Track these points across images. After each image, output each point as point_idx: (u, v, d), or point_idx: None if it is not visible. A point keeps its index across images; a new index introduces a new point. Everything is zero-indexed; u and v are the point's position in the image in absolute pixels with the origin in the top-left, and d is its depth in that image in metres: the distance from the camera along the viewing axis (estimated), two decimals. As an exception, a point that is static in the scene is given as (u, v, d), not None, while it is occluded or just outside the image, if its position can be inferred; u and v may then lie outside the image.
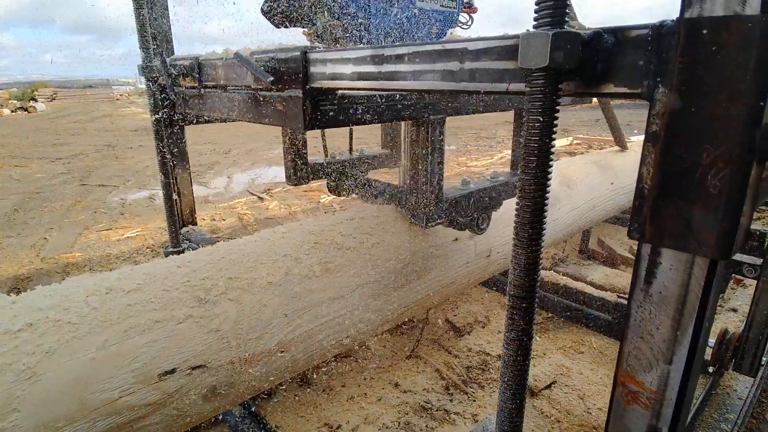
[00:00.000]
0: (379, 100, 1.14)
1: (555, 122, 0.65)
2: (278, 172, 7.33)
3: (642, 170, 0.55)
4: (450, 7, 1.70)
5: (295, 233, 1.49)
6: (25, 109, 19.91)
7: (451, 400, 2.27)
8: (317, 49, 1.03)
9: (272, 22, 1.81)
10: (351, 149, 2.04)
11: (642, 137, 0.63)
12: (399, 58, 0.85)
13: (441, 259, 1.71)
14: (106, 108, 24.14)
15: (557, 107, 0.63)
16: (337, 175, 1.86)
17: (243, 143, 11.53)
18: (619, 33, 0.58)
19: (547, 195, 0.68)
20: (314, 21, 1.72)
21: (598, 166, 2.75)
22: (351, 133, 2.05)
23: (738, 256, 2.06)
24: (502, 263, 2.05)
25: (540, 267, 0.74)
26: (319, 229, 1.52)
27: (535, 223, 0.69)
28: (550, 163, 0.66)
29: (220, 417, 1.71)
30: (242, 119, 1.26)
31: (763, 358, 1.74)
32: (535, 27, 0.60)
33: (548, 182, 0.67)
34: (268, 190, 6.47)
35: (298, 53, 1.03)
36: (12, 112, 19.39)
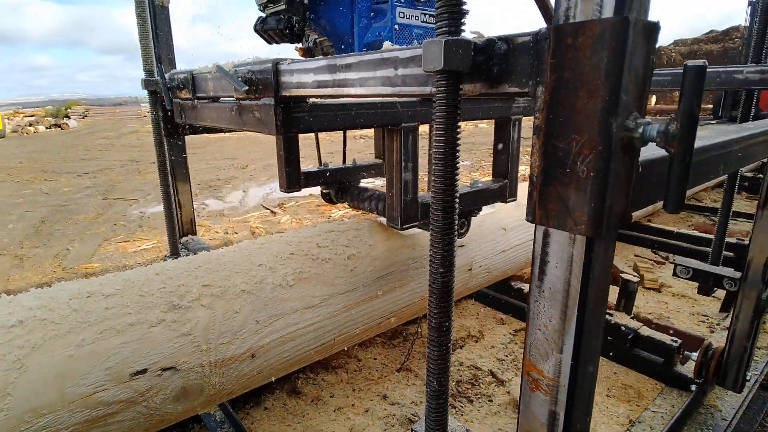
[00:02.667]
0: (349, 109, 1.22)
1: (458, 119, 0.71)
2: (292, 187, 7.49)
3: (532, 159, 0.60)
4: (430, 23, 1.77)
5: (273, 244, 1.56)
6: (59, 126, 20.88)
7: None
8: (286, 60, 1.12)
9: (264, 39, 1.93)
10: (345, 159, 2.13)
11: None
12: (348, 67, 0.94)
13: (419, 271, 1.76)
14: (134, 125, 25.10)
15: (458, 106, 0.70)
16: (330, 181, 1.95)
17: (261, 159, 11.82)
18: (509, 40, 0.64)
19: (456, 183, 0.75)
20: (303, 38, 1.83)
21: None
22: (345, 143, 2.14)
23: (718, 269, 2.04)
24: (485, 277, 2.08)
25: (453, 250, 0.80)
26: (296, 240, 1.60)
27: (448, 203, 0.75)
28: (457, 153, 0.73)
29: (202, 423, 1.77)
30: (229, 126, 1.36)
31: (748, 374, 1.72)
32: (435, 35, 0.67)
33: (456, 172, 0.74)
34: (282, 204, 6.62)
35: (269, 65, 1.12)
36: (47, 128, 20.37)
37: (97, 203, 7.57)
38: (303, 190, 1.97)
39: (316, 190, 2.17)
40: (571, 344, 0.60)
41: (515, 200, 1.75)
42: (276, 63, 1.10)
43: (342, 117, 1.18)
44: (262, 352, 1.36)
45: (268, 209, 6.33)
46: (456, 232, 0.78)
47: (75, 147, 15.89)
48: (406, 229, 1.44)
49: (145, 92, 1.73)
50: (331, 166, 2.05)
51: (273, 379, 1.50)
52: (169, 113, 1.78)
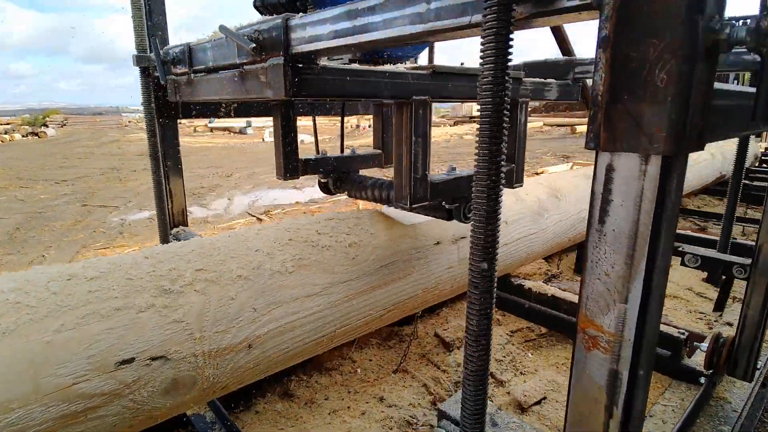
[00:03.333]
0: (361, 74, 1.16)
1: (509, 53, 0.65)
2: (278, 195, 7.37)
3: (594, 78, 0.54)
4: None
5: (270, 231, 1.47)
6: (36, 134, 20.34)
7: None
8: (297, 15, 1.05)
9: (265, 14, 1.86)
10: (342, 148, 2.06)
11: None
12: (371, 10, 0.87)
13: (422, 262, 1.68)
14: (115, 134, 24.63)
15: (510, 37, 0.63)
16: (329, 170, 1.87)
17: (246, 167, 11.66)
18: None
19: (504, 118, 0.68)
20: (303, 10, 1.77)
21: (587, 179, 2.74)
22: (342, 132, 2.07)
23: (727, 257, 2.01)
24: (488, 271, 2.02)
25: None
26: (295, 227, 1.51)
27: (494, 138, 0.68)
28: (506, 97, 0.66)
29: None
30: (230, 97, 1.27)
31: (759, 362, 1.68)
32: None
33: (505, 106, 0.67)
34: (268, 212, 6.48)
35: (279, 20, 1.04)
36: (23, 136, 19.82)
37: (76, 210, 7.31)
38: (289, 196, 1.88)
39: (302, 196, 2.09)
40: (638, 292, 0.54)
41: (521, 186, 1.69)
42: (286, 18, 1.03)
43: (352, 84, 1.11)
44: (259, 342, 1.26)
45: (253, 216, 6.19)
46: (500, 190, 0.71)
47: (53, 155, 15.46)
48: (415, 209, 1.37)
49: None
50: (329, 154, 1.97)
51: (270, 374, 1.40)
52: (162, 94, 1.68)
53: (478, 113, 0.76)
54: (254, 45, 1.01)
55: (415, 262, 1.66)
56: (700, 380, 1.75)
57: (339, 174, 2.00)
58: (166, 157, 1.77)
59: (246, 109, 1.98)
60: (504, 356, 2.59)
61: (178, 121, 1.79)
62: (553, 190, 2.44)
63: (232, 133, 26.70)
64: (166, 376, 1.10)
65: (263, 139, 20.93)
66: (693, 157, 4.19)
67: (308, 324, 1.37)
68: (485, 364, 0.86)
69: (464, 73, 1.37)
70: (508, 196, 2.23)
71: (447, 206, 1.52)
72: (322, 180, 2.02)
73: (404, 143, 1.30)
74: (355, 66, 1.13)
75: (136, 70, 1.77)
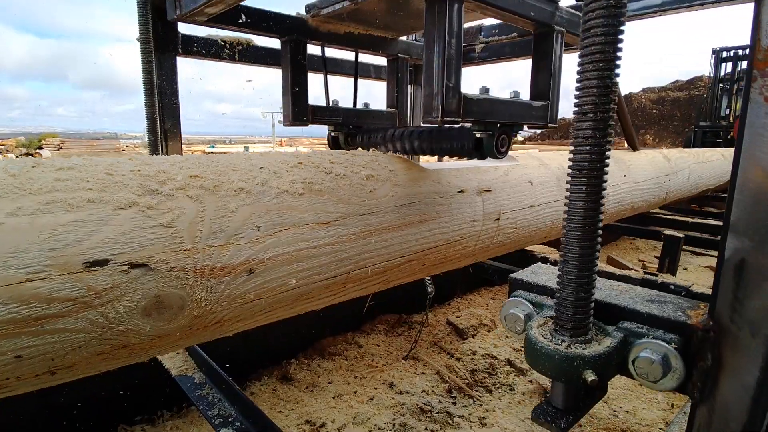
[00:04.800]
0: None
1: None
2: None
3: None
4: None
5: (277, 154, 1.29)
6: (30, 155, 20.19)
7: (454, 403, 1.94)
8: None
9: None
10: (355, 101, 1.90)
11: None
12: None
13: (445, 208, 1.49)
14: (111, 158, 24.53)
15: None
16: (339, 121, 1.71)
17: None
18: None
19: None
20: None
21: (612, 159, 2.59)
22: (356, 83, 1.92)
23: None
24: (512, 234, 1.83)
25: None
26: (305, 154, 1.32)
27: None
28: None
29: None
30: None
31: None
32: None
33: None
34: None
35: None
36: (16, 158, 19.66)
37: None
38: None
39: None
40: None
41: (556, 125, 1.53)
42: None
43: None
44: (262, 268, 1.06)
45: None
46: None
47: (45, 172, 15.24)
48: (448, 123, 1.19)
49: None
50: (340, 105, 1.82)
51: (272, 318, 1.18)
52: (162, 25, 1.53)
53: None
54: None
55: (438, 207, 1.47)
56: None
57: (351, 128, 1.84)
58: (162, 93, 1.59)
59: (253, 53, 1.83)
60: (523, 345, 2.37)
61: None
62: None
63: (228, 158, 26.74)
64: (148, 289, 0.89)
65: (260, 163, 20.92)
66: (706, 155, 4.08)
67: (320, 256, 1.17)
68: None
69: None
70: (530, 159, 2.07)
71: (478, 135, 1.35)
72: (333, 133, 1.85)
73: (436, 44, 1.14)
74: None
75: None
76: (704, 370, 0.66)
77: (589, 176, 0.86)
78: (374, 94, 2.50)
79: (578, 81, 0.86)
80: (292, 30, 1.66)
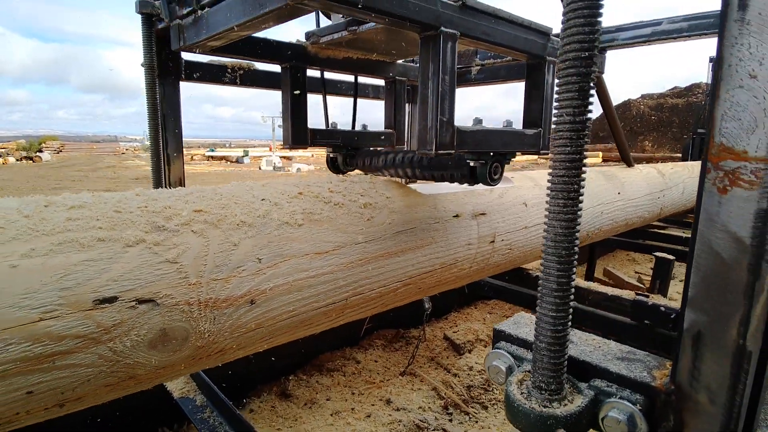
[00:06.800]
0: None
1: None
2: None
3: None
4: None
5: (278, 184, 1.33)
6: (31, 158, 20.25)
7: (450, 420, 1.98)
8: None
9: None
10: (354, 123, 1.95)
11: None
12: None
13: (441, 233, 1.54)
14: (111, 160, 24.57)
15: None
16: (338, 144, 1.76)
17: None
18: None
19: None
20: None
21: (605, 176, 2.64)
22: (355, 106, 1.97)
23: None
24: (507, 255, 1.87)
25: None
26: (304, 183, 1.37)
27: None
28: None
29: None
30: (243, 22, 1.15)
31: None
32: None
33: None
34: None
35: None
36: (17, 160, 19.70)
37: (65, 225, 7.09)
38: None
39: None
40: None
41: (548, 153, 1.57)
42: None
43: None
44: (263, 299, 1.10)
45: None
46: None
47: (46, 178, 15.32)
48: (442, 155, 1.24)
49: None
50: (339, 128, 1.86)
51: (273, 343, 1.22)
52: (166, 51, 1.58)
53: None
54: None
55: (433, 233, 1.51)
56: None
57: (349, 149, 1.89)
58: (166, 119, 1.64)
59: (254, 76, 1.88)
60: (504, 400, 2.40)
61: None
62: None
63: (229, 162, 26.78)
64: (154, 323, 0.93)
65: (260, 167, 20.95)
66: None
67: (319, 285, 1.21)
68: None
69: (496, 14, 1.28)
70: (525, 180, 2.11)
71: (471, 164, 1.39)
72: (331, 155, 1.90)
73: (430, 81, 1.18)
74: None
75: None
76: (667, 430, 0.70)
77: (560, 249, 0.83)
78: (372, 109, 2.56)
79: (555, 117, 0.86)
80: (292, 57, 1.71)
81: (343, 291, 1.28)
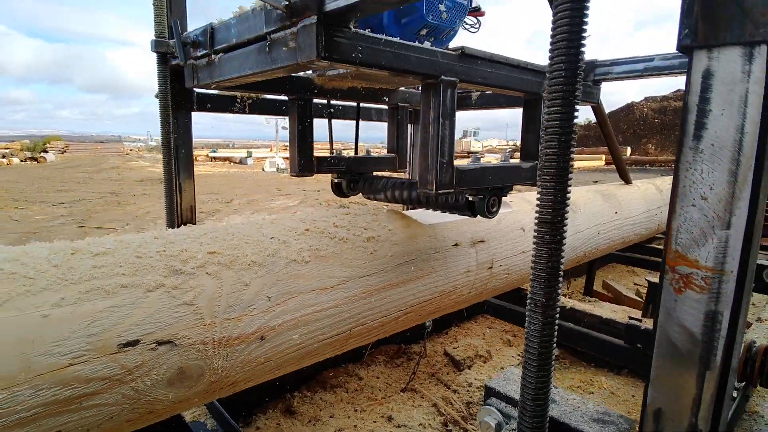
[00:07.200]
0: (392, 45, 1.13)
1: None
2: (278, 219, 7.30)
3: None
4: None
5: (285, 220, 1.40)
6: (35, 159, 20.37)
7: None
8: None
9: None
10: (357, 149, 2.02)
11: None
12: None
13: (440, 263, 1.60)
14: (115, 161, 24.72)
15: None
16: (343, 170, 1.83)
17: (245, 194, 11.64)
18: None
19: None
20: None
21: (602, 196, 2.70)
22: (357, 132, 2.04)
23: (760, 260, 1.93)
24: (504, 279, 1.93)
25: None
26: (311, 218, 1.44)
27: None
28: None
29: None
30: (255, 71, 1.22)
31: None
32: None
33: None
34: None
35: None
36: (22, 161, 19.84)
37: (72, 231, 7.19)
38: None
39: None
40: (743, 215, 0.47)
41: (544, 186, 1.64)
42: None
43: (382, 54, 1.07)
44: (272, 335, 1.17)
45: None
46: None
47: (51, 179, 15.43)
48: (442, 194, 1.31)
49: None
50: (344, 154, 1.93)
51: (281, 373, 1.29)
52: (179, 84, 1.65)
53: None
54: (287, 2, 0.97)
55: (433, 263, 1.58)
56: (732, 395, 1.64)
57: (353, 175, 1.96)
58: (178, 150, 1.71)
59: (262, 104, 1.95)
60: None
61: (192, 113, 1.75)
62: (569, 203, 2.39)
63: (232, 163, 26.89)
64: (172, 363, 1.00)
65: (263, 169, 21.04)
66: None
67: (324, 319, 1.28)
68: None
69: (492, 59, 1.34)
70: (523, 204, 2.17)
71: (470, 198, 1.46)
72: (336, 180, 1.97)
73: (431, 125, 1.25)
74: (385, 36, 1.10)
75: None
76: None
77: (542, 309, 0.87)
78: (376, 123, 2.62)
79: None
80: (299, 89, 1.78)
81: (347, 323, 1.35)
